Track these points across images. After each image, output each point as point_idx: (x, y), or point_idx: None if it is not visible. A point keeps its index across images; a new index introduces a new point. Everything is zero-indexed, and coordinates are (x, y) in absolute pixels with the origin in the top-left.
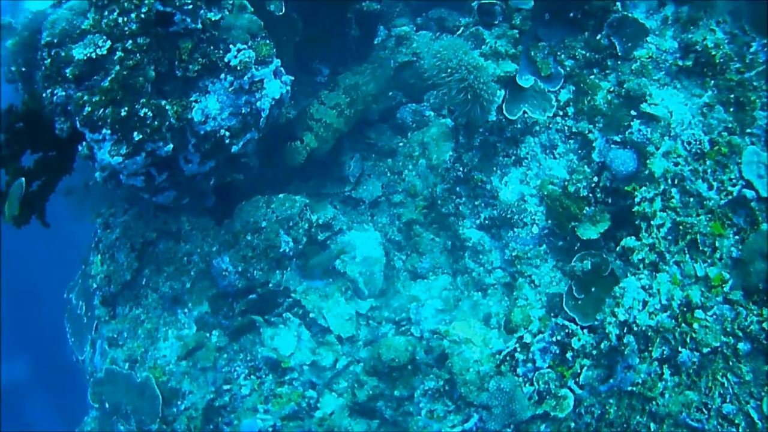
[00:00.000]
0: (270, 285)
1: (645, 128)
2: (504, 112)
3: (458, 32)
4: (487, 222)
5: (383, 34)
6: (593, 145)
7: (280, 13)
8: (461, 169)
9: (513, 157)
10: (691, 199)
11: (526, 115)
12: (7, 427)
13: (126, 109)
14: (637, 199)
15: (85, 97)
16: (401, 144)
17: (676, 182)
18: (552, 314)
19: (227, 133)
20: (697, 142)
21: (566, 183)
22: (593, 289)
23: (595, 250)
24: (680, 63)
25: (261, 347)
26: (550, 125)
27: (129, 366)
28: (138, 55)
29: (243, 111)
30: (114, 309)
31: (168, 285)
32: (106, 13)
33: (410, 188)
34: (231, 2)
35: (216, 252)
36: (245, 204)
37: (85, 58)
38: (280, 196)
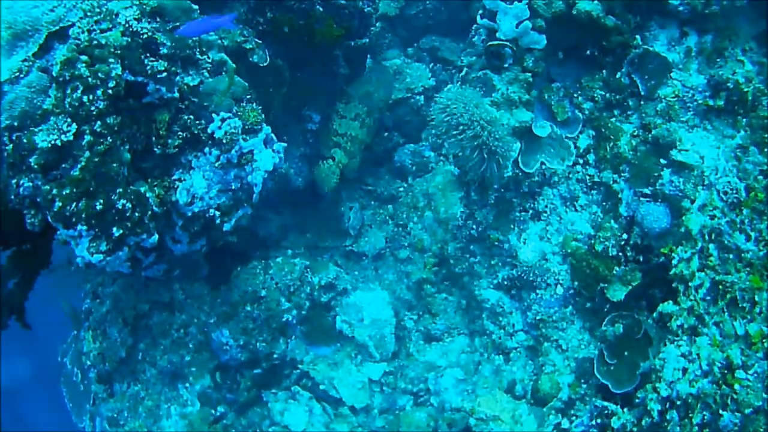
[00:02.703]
0: (275, 356)
1: (677, 179)
2: (520, 165)
3: (462, 73)
4: (506, 283)
5: None
6: (619, 197)
7: (265, 64)
8: (474, 227)
9: (531, 211)
10: (730, 255)
11: (543, 167)
12: (7, 428)
13: (101, 201)
14: (674, 261)
15: (54, 191)
16: (401, 189)
17: (713, 237)
18: (582, 381)
19: (217, 213)
20: (734, 191)
21: (593, 241)
22: (626, 353)
23: (626, 311)
24: (711, 103)
25: (272, 425)
26: (570, 175)
27: None
28: (109, 138)
29: (233, 187)
30: (111, 386)
31: (166, 359)
32: (68, 90)
33: (417, 243)
34: (210, 61)
35: (214, 324)
36: (241, 270)
37: (50, 145)
38: (278, 260)
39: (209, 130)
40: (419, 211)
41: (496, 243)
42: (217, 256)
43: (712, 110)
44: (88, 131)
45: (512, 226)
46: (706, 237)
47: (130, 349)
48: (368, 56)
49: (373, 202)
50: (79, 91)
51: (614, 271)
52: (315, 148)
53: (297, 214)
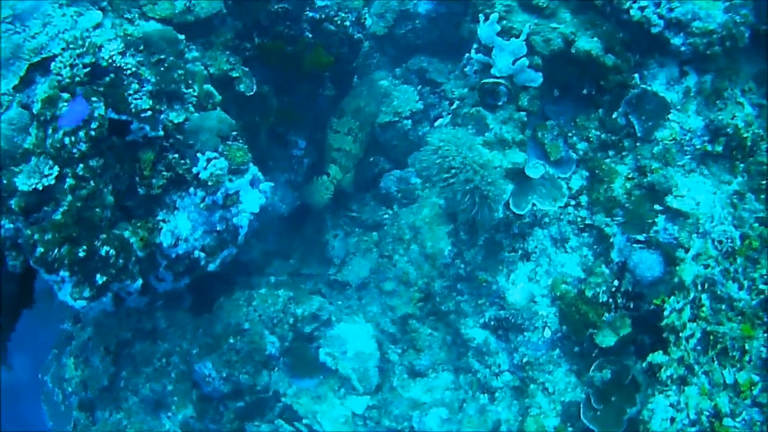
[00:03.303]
0: (258, 388)
1: (672, 226)
2: (511, 206)
3: (453, 107)
4: (492, 323)
5: None
6: (611, 241)
7: (251, 93)
8: (462, 266)
9: (520, 251)
10: (723, 306)
11: (535, 208)
12: (7, 427)
13: (84, 248)
14: (666, 312)
15: (36, 236)
16: (386, 216)
17: (706, 287)
18: (568, 424)
19: (202, 254)
20: (729, 240)
21: (583, 286)
22: (613, 399)
23: (614, 356)
24: (709, 148)
25: None
26: (561, 216)
27: None
28: (92, 181)
29: (218, 228)
30: (93, 413)
31: (148, 387)
32: (50, 131)
33: (403, 276)
34: (195, 94)
35: (197, 355)
36: (225, 301)
37: (31, 189)
38: (262, 290)
39: (194, 171)
40: (405, 243)
41: (484, 284)
42: (199, 284)
43: (710, 155)
44: (70, 174)
45: (501, 267)
46: (699, 287)
47: (112, 377)
48: (355, 76)
49: (357, 229)
50: (60, 132)
51: (604, 318)
52: (300, 174)
53: (281, 240)
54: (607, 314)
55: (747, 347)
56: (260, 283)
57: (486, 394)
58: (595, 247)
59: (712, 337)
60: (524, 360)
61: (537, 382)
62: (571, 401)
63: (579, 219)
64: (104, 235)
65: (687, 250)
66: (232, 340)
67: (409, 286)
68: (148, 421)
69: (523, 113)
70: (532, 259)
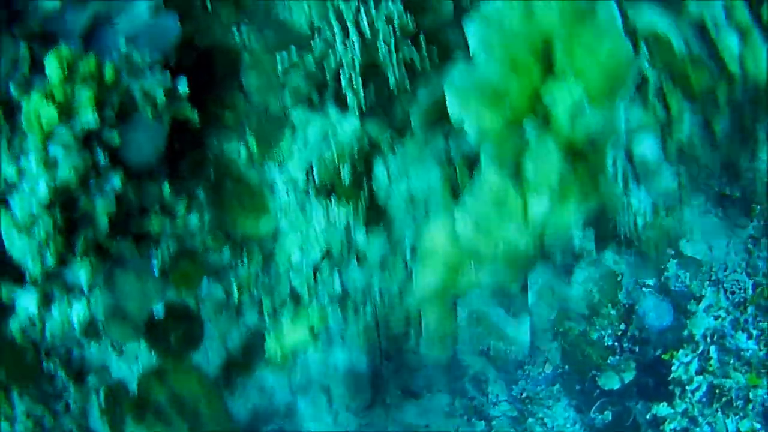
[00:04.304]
0: None
1: (683, 273)
2: None
3: None
4: (491, 352)
5: None
6: (619, 281)
7: None
8: None
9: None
10: (731, 359)
11: None
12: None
13: None
14: (674, 367)
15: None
16: None
17: (715, 339)
18: None
19: None
20: (741, 290)
21: (587, 327)
22: None
23: (617, 397)
24: (728, 192)
25: None
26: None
27: None
28: None
29: None
30: None
31: None
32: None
33: None
34: None
35: None
36: None
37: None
38: None
39: None
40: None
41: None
42: None
43: (728, 198)
44: None
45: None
46: (708, 339)
47: None
48: None
49: None
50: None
51: (608, 361)
52: None
53: None
54: (611, 357)
55: (751, 396)
56: None
57: (482, 421)
58: (601, 284)
59: (717, 391)
60: (523, 394)
61: (535, 417)
62: None
63: (585, 252)
64: None
65: (699, 301)
66: None
67: None
68: None
69: None
70: (533, 290)
